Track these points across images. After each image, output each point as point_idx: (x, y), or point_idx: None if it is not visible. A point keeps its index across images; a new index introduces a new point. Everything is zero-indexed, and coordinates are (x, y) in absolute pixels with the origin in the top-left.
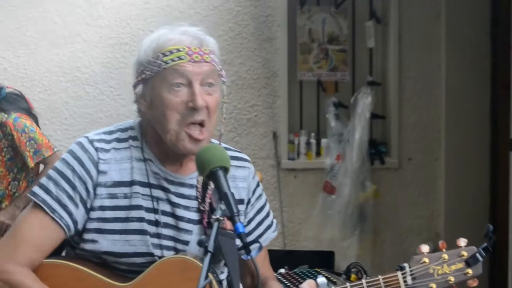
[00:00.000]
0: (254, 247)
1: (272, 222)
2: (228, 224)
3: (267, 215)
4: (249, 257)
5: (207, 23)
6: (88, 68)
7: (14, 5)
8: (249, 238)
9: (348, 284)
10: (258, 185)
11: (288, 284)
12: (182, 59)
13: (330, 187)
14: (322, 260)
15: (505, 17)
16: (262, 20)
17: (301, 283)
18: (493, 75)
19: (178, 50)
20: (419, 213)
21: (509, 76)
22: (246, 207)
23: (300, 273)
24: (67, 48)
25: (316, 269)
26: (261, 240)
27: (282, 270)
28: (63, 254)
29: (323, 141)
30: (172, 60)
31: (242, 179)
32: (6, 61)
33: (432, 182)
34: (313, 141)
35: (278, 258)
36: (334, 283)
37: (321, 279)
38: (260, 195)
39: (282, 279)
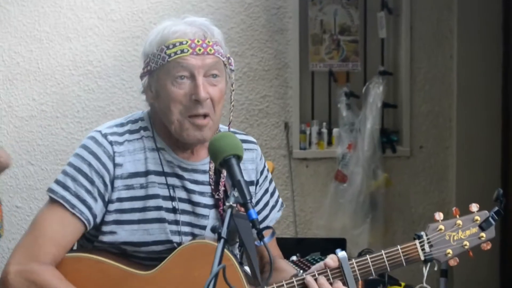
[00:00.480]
0: (266, 232)
1: (276, 202)
2: (241, 210)
3: (272, 195)
4: (261, 243)
5: (219, 15)
6: (100, 61)
7: (27, 0)
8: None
9: (368, 256)
10: (265, 166)
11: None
12: (184, 52)
13: (341, 176)
14: (334, 247)
15: None
16: (273, 12)
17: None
18: (504, 65)
19: (181, 43)
20: (430, 201)
21: None
22: (255, 188)
23: (312, 260)
24: (79, 42)
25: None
26: (267, 220)
27: (294, 258)
28: (75, 247)
29: (335, 130)
30: (175, 53)
31: (250, 161)
32: (19, 56)
33: (444, 170)
34: (324, 130)
35: (290, 246)
36: None
37: (342, 253)
38: (266, 176)
39: (294, 266)
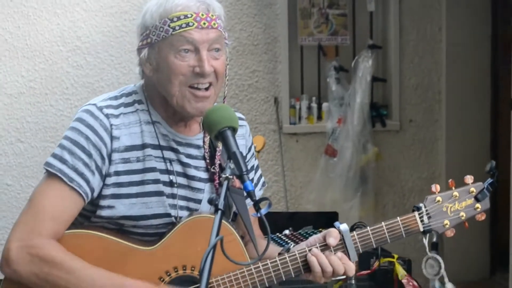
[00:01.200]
0: (262, 205)
1: (259, 180)
2: (237, 182)
3: (256, 172)
4: (258, 214)
5: None
6: (88, 37)
7: None
8: None
9: (368, 228)
10: (252, 143)
11: (290, 244)
12: (190, 25)
13: (331, 150)
14: (326, 221)
15: None
16: None
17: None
18: (493, 36)
19: (186, 17)
20: (420, 174)
21: (509, 36)
22: None
23: (304, 234)
24: (67, 18)
25: (321, 229)
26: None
27: (287, 232)
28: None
29: (324, 105)
30: (180, 26)
31: (241, 137)
32: (6, 32)
33: (433, 143)
34: (314, 105)
35: (282, 220)
36: None
37: (343, 225)
38: (253, 153)
39: (287, 240)
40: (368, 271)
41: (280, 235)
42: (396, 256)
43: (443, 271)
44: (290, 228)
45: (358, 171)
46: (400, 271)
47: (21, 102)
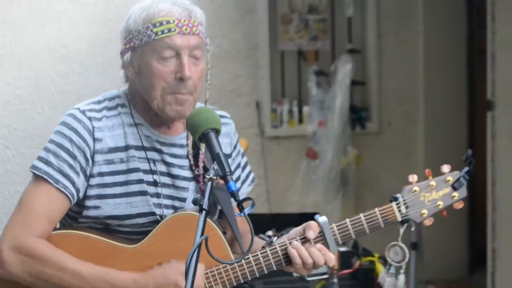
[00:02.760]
0: (246, 204)
1: (247, 176)
2: (221, 182)
3: (244, 169)
4: (242, 214)
5: None
6: (73, 45)
7: None
8: None
9: (347, 220)
10: (237, 140)
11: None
12: (172, 31)
13: (313, 153)
14: (308, 221)
15: None
16: None
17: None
18: (469, 41)
19: (168, 22)
20: (400, 176)
21: (485, 40)
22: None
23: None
24: (52, 27)
25: None
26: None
27: (270, 233)
28: (57, 226)
29: (305, 108)
30: (162, 31)
31: (226, 135)
32: None
33: (412, 146)
34: (295, 109)
35: (265, 222)
36: None
37: (323, 218)
38: (239, 150)
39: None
40: (350, 270)
41: (263, 236)
42: (377, 255)
43: (404, 262)
44: (273, 229)
45: (339, 173)
46: (381, 270)
47: (8, 110)
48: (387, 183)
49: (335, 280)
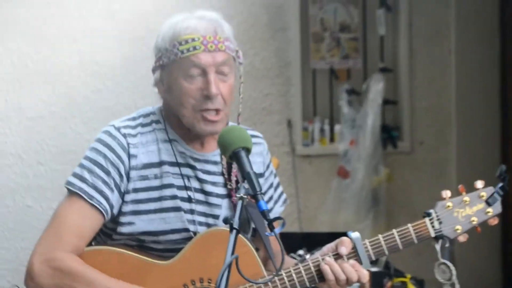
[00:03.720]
0: (277, 223)
1: (279, 197)
2: (252, 201)
3: (276, 189)
4: (272, 234)
5: (221, 15)
6: (106, 62)
7: (35, 2)
8: None
9: (380, 236)
10: (270, 160)
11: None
12: (197, 49)
13: (344, 172)
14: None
15: None
16: (274, 11)
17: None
18: (502, 58)
19: (193, 40)
20: (432, 196)
21: None
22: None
23: None
24: (85, 43)
25: None
26: (270, 214)
27: (301, 252)
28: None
29: (337, 127)
30: (188, 50)
31: (258, 155)
32: (28, 57)
33: (444, 165)
34: (326, 127)
35: (295, 240)
36: None
37: (355, 234)
38: (272, 170)
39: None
40: None
41: (294, 255)
42: (409, 276)
43: (454, 278)
44: (304, 248)
45: (370, 192)
46: None
47: (41, 126)
48: (418, 202)
49: None
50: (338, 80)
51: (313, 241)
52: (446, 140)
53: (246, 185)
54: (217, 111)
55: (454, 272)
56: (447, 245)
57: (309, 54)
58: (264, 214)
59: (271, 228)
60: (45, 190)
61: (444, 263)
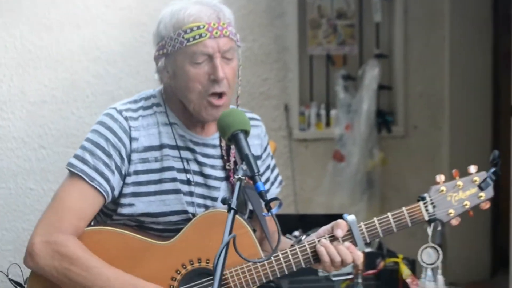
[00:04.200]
0: (274, 204)
1: (275, 178)
2: (250, 182)
3: (273, 171)
4: (269, 214)
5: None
6: (108, 48)
7: None
8: None
9: (375, 219)
10: (268, 143)
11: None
12: (202, 36)
13: (339, 156)
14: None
15: None
16: None
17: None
18: (494, 45)
19: (198, 28)
20: (425, 179)
21: (510, 45)
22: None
23: None
24: (88, 30)
25: None
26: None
27: (296, 233)
28: (92, 223)
29: (333, 112)
30: (194, 38)
31: (256, 137)
32: (30, 43)
33: (437, 149)
34: (323, 112)
35: (291, 222)
36: None
37: (351, 217)
38: (269, 153)
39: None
40: (374, 271)
41: (290, 236)
42: (401, 256)
43: (439, 262)
44: (300, 230)
45: (365, 175)
46: (405, 271)
47: (44, 110)
48: (412, 185)
49: (360, 280)
50: (334, 66)
51: (309, 222)
52: (439, 125)
53: (244, 167)
54: (221, 95)
55: (441, 256)
56: (439, 228)
57: (306, 40)
58: (261, 195)
59: (268, 209)
60: (47, 173)
61: (432, 247)
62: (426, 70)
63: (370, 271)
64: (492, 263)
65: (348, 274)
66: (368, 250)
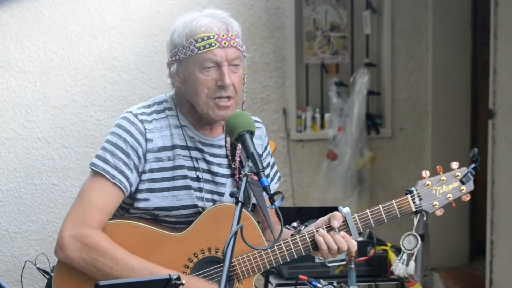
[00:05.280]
0: (276, 197)
1: (274, 174)
2: (254, 178)
3: (272, 168)
4: (273, 206)
5: None
6: (123, 57)
7: (59, 3)
8: None
9: (368, 210)
10: (268, 143)
11: (299, 227)
12: (212, 46)
13: (333, 155)
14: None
15: (484, 5)
16: (272, 12)
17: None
18: (473, 56)
19: (209, 38)
20: (409, 176)
21: (487, 55)
22: None
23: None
24: (104, 40)
25: None
26: None
27: (295, 224)
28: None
29: (327, 115)
30: (204, 46)
31: (258, 138)
32: (52, 53)
33: (421, 149)
34: (317, 115)
35: (290, 214)
36: None
37: (346, 209)
38: (269, 152)
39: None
40: (365, 258)
41: (289, 227)
42: (389, 244)
43: (416, 249)
44: (298, 221)
45: (356, 172)
46: (393, 257)
47: (65, 113)
48: (398, 181)
49: (353, 266)
50: (328, 74)
51: (306, 214)
52: (422, 127)
53: (250, 164)
54: (228, 98)
55: (419, 244)
56: (424, 218)
57: (303, 51)
58: (266, 189)
59: (272, 201)
60: (68, 170)
61: (414, 235)
62: (411, 78)
63: (362, 258)
64: (470, 251)
65: (342, 260)
66: (360, 239)
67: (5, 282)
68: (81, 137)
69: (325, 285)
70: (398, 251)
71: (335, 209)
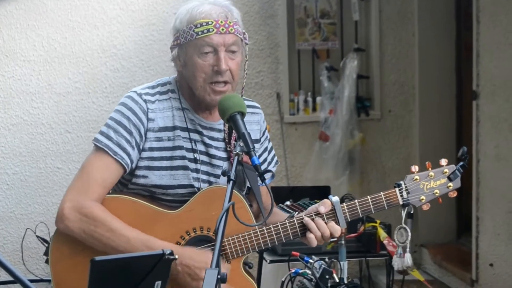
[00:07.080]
0: (267, 176)
1: (272, 158)
2: (245, 158)
3: (269, 152)
4: (264, 184)
5: None
6: (123, 45)
7: None
8: None
9: (356, 201)
10: (266, 128)
11: (294, 212)
12: (210, 31)
13: (324, 136)
14: (320, 193)
15: None
16: (265, 0)
17: (302, 211)
18: (457, 40)
19: (207, 23)
20: (398, 156)
21: (471, 39)
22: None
23: (302, 204)
24: (105, 30)
25: (316, 200)
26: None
27: (288, 202)
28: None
29: (318, 98)
30: (202, 32)
31: (256, 123)
32: (56, 42)
33: (409, 130)
34: (309, 99)
35: (284, 193)
36: None
37: (335, 198)
38: (267, 136)
39: (288, 209)
40: (355, 234)
41: (282, 205)
42: (378, 221)
43: (408, 241)
44: (291, 200)
45: (347, 153)
46: (382, 234)
47: (68, 100)
48: (387, 161)
49: (343, 242)
50: (319, 59)
51: (299, 193)
52: (410, 108)
53: (241, 144)
54: (225, 83)
55: (409, 237)
56: (411, 212)
57: (295, 37)
58: (256, 167)
59: (263, 180)
60: (72, 154)
61: (403, 227)
62: (398, 62)
63: (352, 234)
64: (457, 227)
65: (333, 237)
66: None
67: (12, 262)
68: (83, 122)
69: (317, 260)
70: (387, 227)
71: (326, 188)
